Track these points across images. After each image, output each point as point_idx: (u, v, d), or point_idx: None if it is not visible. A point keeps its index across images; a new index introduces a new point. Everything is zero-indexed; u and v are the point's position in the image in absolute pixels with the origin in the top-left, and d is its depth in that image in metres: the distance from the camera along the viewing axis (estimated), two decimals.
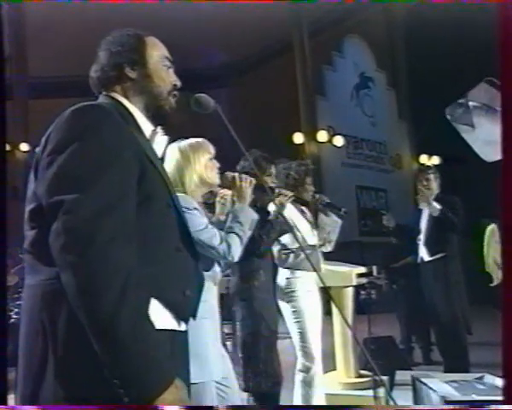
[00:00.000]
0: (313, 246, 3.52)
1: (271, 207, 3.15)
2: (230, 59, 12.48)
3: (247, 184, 2.50)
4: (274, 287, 3.43)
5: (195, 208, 2.30)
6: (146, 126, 1.53)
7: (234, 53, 12.00)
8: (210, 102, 1.93)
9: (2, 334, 1.75)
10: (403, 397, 3.27)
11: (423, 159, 12.48)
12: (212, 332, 2.31)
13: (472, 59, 8.33)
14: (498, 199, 1.90)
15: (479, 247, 5.17)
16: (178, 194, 2.25)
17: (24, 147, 9.72)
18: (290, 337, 3.48)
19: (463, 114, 4.21)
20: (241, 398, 2.91)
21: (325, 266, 3.77)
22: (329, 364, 4.03)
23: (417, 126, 12.40)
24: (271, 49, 12.18)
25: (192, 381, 1.58)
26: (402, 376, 3.93)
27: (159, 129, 1.59)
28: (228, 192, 2.57)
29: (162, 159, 1.64)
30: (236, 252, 2.35)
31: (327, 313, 3.66)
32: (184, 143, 2.43)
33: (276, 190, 3.07)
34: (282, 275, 3.48)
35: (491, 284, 4.86)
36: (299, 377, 3.38)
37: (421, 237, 4.62)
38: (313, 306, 3.44)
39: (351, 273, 4.04)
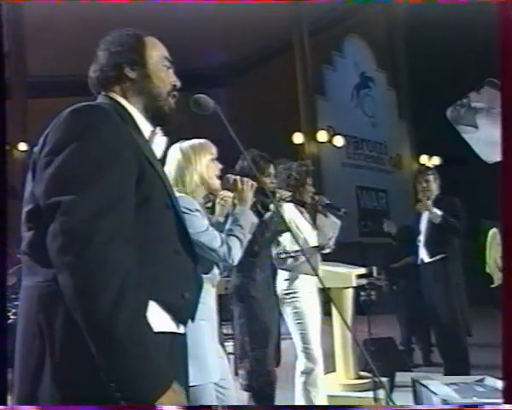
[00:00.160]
0: (312, 248, 3.51)
1: (270, 208, 3.13)
2: (230, 58, 12.46)
3: (249, 188, 2.49)
4: (274, 287, 3.42)
5: (197, 210, 2.29)
6: (145, 127, 1.52)
7: (233, 52, 11.99)
8: (209, 103, 1.92)
9: (2, 334, 1.75)
10: (403, 399, 3.27)
11: (423, 159, 12.47)
12: (211, 334, 2.30)
13: (472, 59, 8.33)
14: (498, 200, 1.89)
15: (479, 248, 5.16)
16: (180, 194, 2.26)
17: (22, 146, 9.71)
18: (291, 338, 3.48)
19: (466, 115, 4.20)
20: (239, 399, 2.90)
21: (325, 268, 3.76)
22: (329, 365, 4.02)
23: (418, 127, 12.38)
24: (271, 49, 12.16)
25: (191, 383, 1.57)
26: (402, 377, 3.94)
27: (158, 130, 1.58)
28: (228, 194, 2.56)
29: (161, 160, 1.63)
30: (236, 255, 2.34)
31: (327, 314, 3.65)
32: (186, 143, 2.43)
33: (277, 192, 3.06)
34: (283, 276, 3.47)
35: (492, 286, 4.85)
36: (301, 379, 3.37)
37: (421, 238, 4.61)
38: (314, 307, 3.43)
39: (350, 274, 4.03)
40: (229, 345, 4.72)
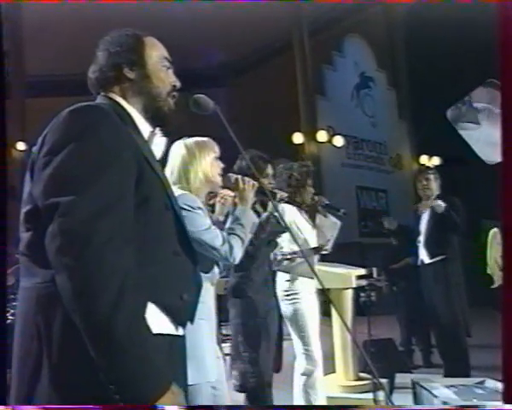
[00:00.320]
0: (309, 250, 3.49)
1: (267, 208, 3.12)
2: (230, 58, 12.46)
3: (250, 187, 2.49)
4: (273, 288, 3.40)
5: (199, 208, 2.28)
6: (144, 127, 1.51)
7: (233, 52, 11.98)
8: (209, 104, 1.91)
9: (2, 334, 1.75)
10: (403, 400, 3.27)
11: (423, 159, 12.46)
12: (209, 333, 2.30)
13: (472, 59, 8.33)
14: (498, 200, 1.89)
15: (479, 249, 5.16)
16: (182, 192, 2.25)
17: (21, 146, 9.69)
18: (290, 339, 3.47)
19: (467, 113, 4.20)
20: (232, 399, 2.89)
21: (324, 268, 3.75)
22: (329, 366, 4.01)
23: (418, 127, 12.38)
24: (271, 49, 12.15)
25: (188, 383, 1.56)
26: (402, 379, 3.93)
27: (157, 130, 1.57)
28: (229, 193, 2.55)
29: (161, 160, 1.62)
30: (238, 254, 2.34)
31: (326, 315, 3.65)
32: (190, 139, 2.43)
33: (277, 193, 3.05)
34: (283, 277, 3.46)
35: (492, 286, 4.85)
36: (301, 380, 3.36)
37: (421, 238, 4.61)
38: (314, 308, 3.42)
39: (350, 275, 4.03)
40: (227, 346, 4.71)
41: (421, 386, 3.00)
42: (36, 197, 1.29)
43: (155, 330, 1.29)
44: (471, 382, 3.08)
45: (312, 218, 3.65)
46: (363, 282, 4.36)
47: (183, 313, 1.44)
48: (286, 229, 3.13)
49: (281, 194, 3.05)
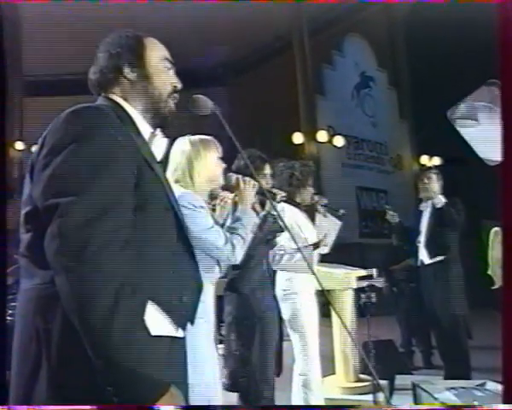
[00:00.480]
0: (307, 246, 3.47)
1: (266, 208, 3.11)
2: (230, 58, 12.45)
3: (250, 187, 2.48)
4: (273, 288, 3.39)
5: (202, 207, 2.28)
6: (145, 129, 1.51)
7: (233, 52, 11.97)
8: (208, 104, 1.91)
9: (2, 334, 1.75)
10: (403, 402, 3.25)
11: (424, 160, 12.45)
12: (207, 333, 2.29)
13: (472, 59, 8.32)
14: (499, 200, 1.88)
15: (480, 249, 5.15)
16: (185, 190, 2.24)
17: (19, 145, 9.69)
18: (289, 340, 3.46)
19: (468, 113, 4.19)
20: (223, 399, 2.87)
21: (325, 269, 3.74)
22: (329, 368, 4.01)
23: (418, 127, 12.37)
24: (271, 49, 12.14)
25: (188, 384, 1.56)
26: (402, 380, 3.92)
27: (158, 131, 1.57)
28: (229, 195, 2.55)
29: (161, 162, 1.61)
30: (239, 254, 2.34)
31: (326, 315, 3.64)
32: (195, 136, 2.42)
33: (277, 193, 3.04)
34: (284, 276, 3.45)
35: (493, 287, 4.84)
36: (299, 381, 3.35)
37: (421, 238, 4.60)
38: (313, 309, 3.42)
39: (350, 276, 4.02)
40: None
41: (422, 388, 2.99)
42: (36, 198, 1.29)
43: (154, 331, 1.29)
44: (471, 384, 3.07)
45: (312, 218, 3.64)
46: (364, 283, 4.36)
47: (182, 315, 1.44)
48: (284, 228, 3.12)
49: (280, 194, 3.04)
